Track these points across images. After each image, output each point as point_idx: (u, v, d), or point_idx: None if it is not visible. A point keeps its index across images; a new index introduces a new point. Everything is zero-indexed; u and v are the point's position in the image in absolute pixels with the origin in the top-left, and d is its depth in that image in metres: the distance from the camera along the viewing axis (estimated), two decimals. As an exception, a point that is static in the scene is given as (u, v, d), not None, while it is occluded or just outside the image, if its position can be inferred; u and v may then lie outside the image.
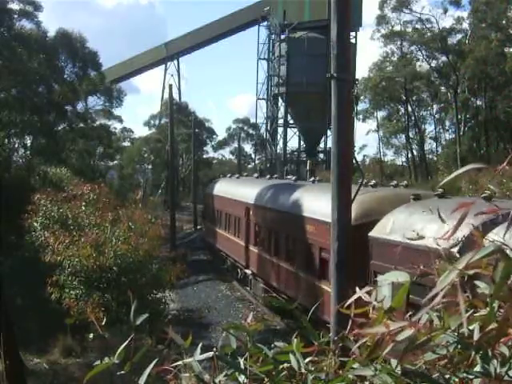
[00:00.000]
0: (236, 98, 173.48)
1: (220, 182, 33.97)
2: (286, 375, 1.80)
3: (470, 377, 1.43)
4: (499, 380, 1.37)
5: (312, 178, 24.55)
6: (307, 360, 1.82)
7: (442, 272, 1.48)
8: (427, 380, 1.49)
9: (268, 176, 29.98)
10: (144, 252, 16.39)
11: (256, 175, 32.66)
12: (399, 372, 1.53)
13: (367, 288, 1.69)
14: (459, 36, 49.75)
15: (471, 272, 1.45)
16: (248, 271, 24.02)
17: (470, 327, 1.45)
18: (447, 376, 1.49)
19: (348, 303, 1.76)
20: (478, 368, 1.43)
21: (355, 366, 1.69)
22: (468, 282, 1.52)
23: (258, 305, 22.46)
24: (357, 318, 1.75)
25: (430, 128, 58.91)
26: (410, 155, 56.68)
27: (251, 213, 23.75)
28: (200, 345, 1.90)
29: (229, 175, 36.29)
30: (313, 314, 2.01)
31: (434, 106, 56.43)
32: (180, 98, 71.33)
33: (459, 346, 1.45)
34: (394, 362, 1.57)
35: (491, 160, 38.75)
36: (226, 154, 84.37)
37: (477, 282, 1.52)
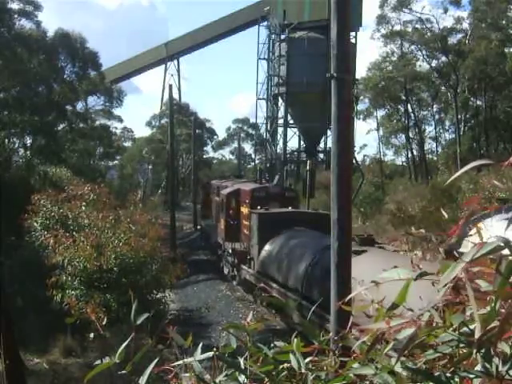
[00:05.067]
0: (236, 98, 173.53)
1: None
2: (286, 375, 1.79)
3: (471, 376, 1.42)
4: (500, 379, 1.36)
5: None
6: (307, 360, 1.82)
7: (444, 269, 1.46)
8: (429, 378, 1.48)
9: None
10: (145, 253, 16.36)
11: None
12: (400, 370, 1.52)
13: (367, 285, 1.69)
14: (459, 36, 49.78)
15: (475, 269, 1.43)
16: None
17: (471, 326, 1.44)
18: (448, 375, 1.48)
19: (348, 298, 1.75)
20: (478, 367, 1.42)
21: (355, 365, 1.68)
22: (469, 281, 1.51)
23: (257, 305, 22.42)
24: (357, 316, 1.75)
25: (429, 128, 58.96)
26: (410, 155, 56.65)
27: None
28: (200, 345, 1.89)
29: None
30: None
31: (434, 106, 56.44)
32: (180, 98, 71.42)
33: (461, 345, 1.44)
34: (394, 360, 1.56)
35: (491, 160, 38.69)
36: (225, 154, 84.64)
37: (478, 281, 1.51)
